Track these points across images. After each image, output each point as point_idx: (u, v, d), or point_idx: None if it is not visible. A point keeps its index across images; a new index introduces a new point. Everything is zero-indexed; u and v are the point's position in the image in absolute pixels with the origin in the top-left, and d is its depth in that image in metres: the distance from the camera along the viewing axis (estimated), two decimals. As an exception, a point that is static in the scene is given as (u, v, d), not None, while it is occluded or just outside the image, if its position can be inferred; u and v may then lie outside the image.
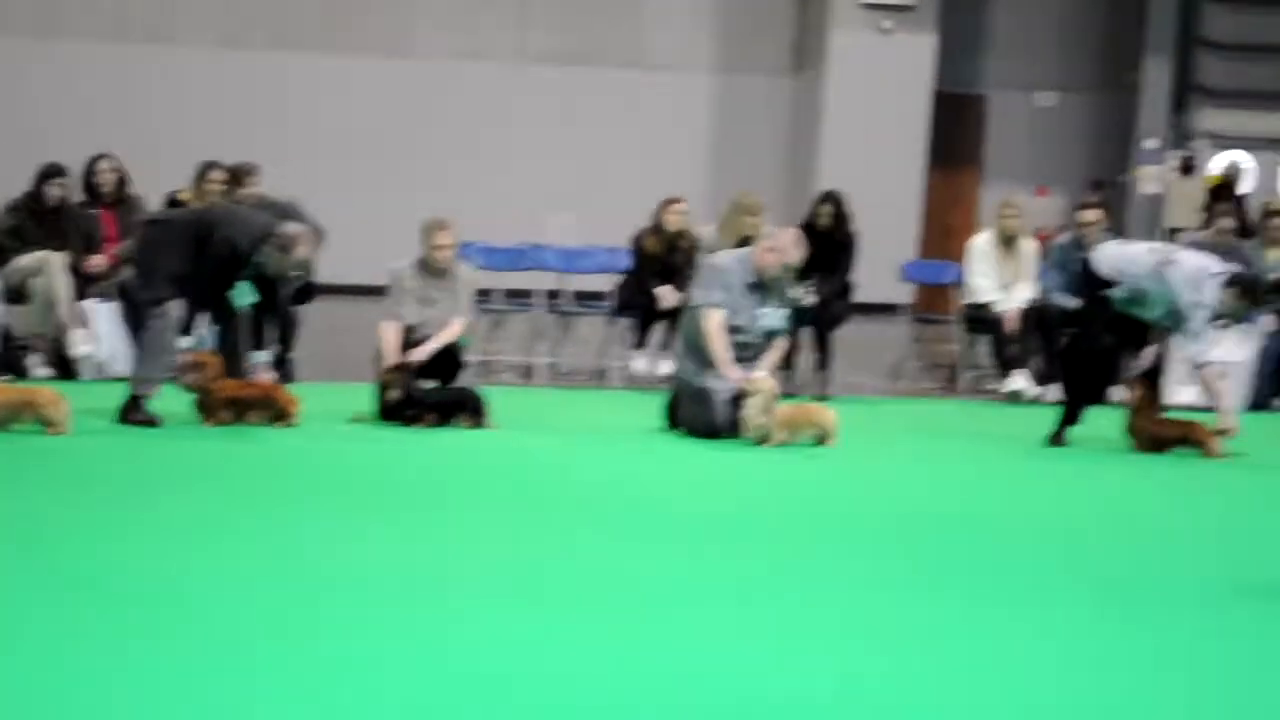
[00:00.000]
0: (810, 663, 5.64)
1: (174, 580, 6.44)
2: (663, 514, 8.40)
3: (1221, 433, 10.83)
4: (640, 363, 13.70)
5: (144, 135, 18.68)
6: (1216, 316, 10.72)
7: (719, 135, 22.59)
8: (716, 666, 5.52)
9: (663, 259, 13.60)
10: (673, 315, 13.34)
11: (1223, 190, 21.22)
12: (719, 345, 10.90)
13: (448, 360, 11.43)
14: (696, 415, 10.99)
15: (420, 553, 7.20)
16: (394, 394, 10.91)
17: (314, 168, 19.46)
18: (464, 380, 11.56)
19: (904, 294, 16.37)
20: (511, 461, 9.92)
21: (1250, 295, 10.84)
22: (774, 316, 11.14)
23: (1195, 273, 10.68)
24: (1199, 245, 12.49)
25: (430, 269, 11.46)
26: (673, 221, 13.70)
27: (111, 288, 12.83)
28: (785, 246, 11.16)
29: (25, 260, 12.72)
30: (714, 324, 10.93)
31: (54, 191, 13.05)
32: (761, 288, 11.07)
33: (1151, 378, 11.22)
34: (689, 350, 11.16)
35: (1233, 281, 10.74)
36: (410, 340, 11.31)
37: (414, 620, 5.99)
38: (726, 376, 10.80)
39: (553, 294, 14.81)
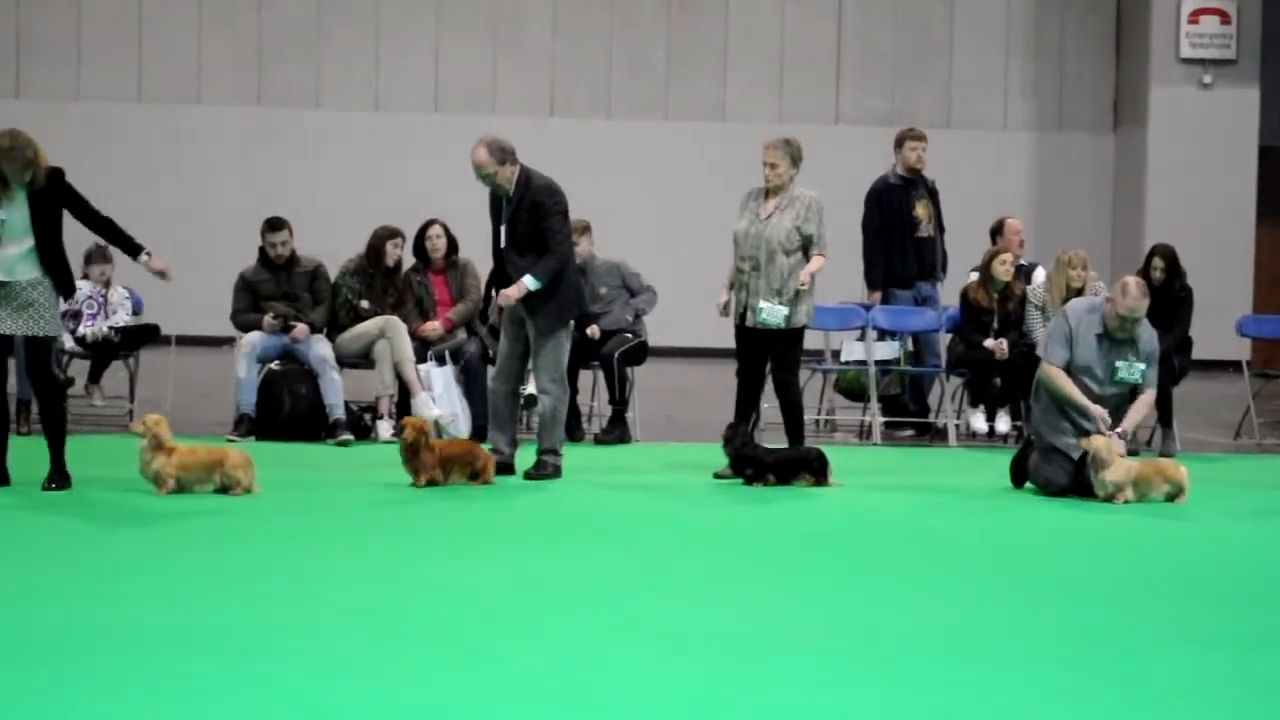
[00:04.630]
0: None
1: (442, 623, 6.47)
2: (1011, 572, 8.24)
3: None
4: (978, 419, 13.49)
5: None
6: None
7: (1039, 192, 22.33)
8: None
9: (993, 311, 13.39)
10: (1006, 369, 13.14)
11: None
12: (1068, 388, 10.62)
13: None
14: (1041, 471, 10.76)
15: (766, 611, 7.13)
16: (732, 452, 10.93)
17: (641, 230, 19.75)
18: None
19: (1240, 349, 15.89)
20: (857, 520, 9.82)
21: None
22: (1129, 369, 10.78)
23: None
24: None
25: None
26: (1001, 272, 13.48)
27: (446, 351, 13.06)
28: (1120, 295, 10.72)
29: (368, 325, 12.99)
30: (1053, 372, 10.67)
31: (396, 253, 13.30)
32: (1112, 339, 10.73)
33: None
34: (1041, 404, 10.87)
35: None
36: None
37: (741, 677, 5.93)
38: (1088, 411, 10.52)
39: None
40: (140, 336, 13.35)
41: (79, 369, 13.39)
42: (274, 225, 13.15)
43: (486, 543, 8.67)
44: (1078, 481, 10.57)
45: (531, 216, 10.86)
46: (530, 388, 11.45)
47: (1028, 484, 10.91)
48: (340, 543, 8.54)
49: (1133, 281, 10.82)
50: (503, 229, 10.96)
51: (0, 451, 9.98)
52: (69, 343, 13.17)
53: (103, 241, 13.34)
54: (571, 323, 11.30)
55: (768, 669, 5.96)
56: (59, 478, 9.94)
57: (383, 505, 9.77)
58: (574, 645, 6.27)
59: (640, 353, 13.43)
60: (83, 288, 13.30)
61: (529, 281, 10.80)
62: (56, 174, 9.91)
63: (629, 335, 13.38)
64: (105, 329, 13.16)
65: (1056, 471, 10.67)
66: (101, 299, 13.34)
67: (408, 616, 6.71)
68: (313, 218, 16.59)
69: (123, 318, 13.35)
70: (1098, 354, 10.71)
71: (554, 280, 10.88)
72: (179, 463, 9.75)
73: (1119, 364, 10.71)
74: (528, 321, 10.95)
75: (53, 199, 9.89)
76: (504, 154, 10.83)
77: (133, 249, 10.15)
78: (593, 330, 13.10)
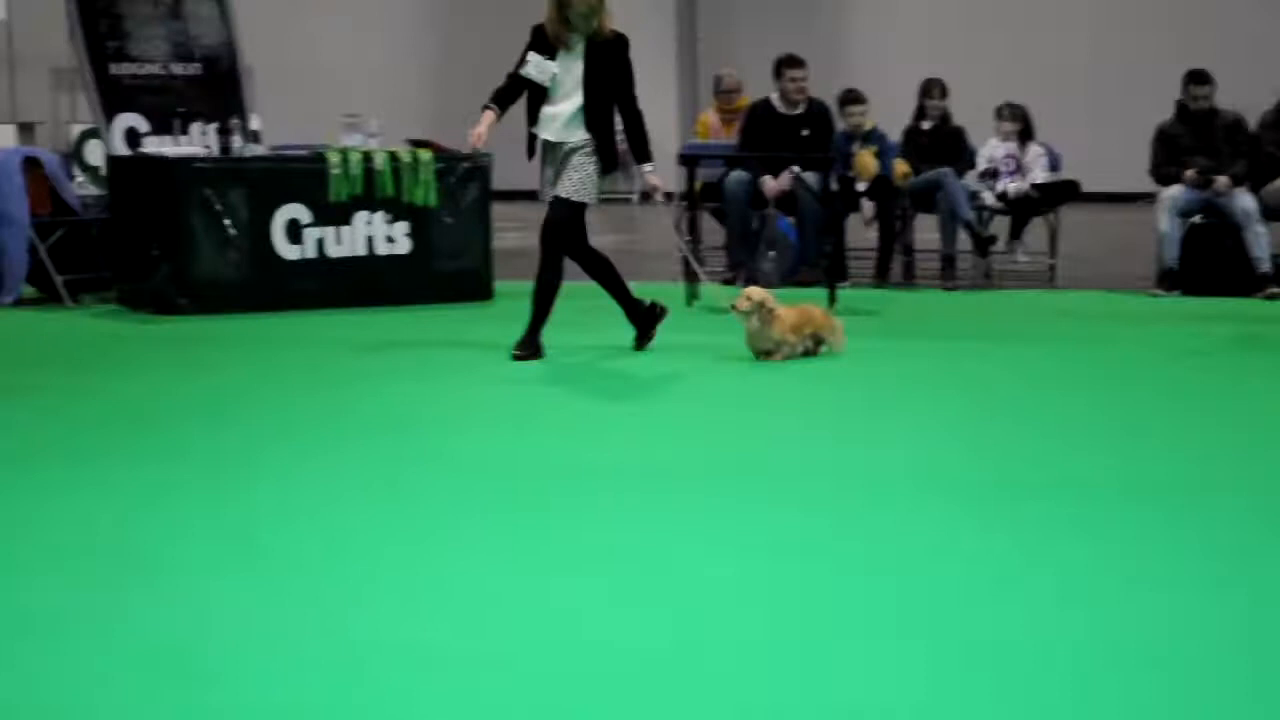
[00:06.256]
0: None
1: None
2: None
3: None
4: None
5: None
6: None
7: None
8: None
9: None
10: None
11: None
12: None
13: None
14: None
15: None
16: None
17: None
18: None
19: None
20: None
21: None
22: None
23: None
24: None
25: None
26: None
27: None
28: None
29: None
30: None
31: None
32: None
33: None
34: None
35: None
36: None
37: None
38: None
39: None
40: (1059, 193, 13.44)
41: (1000, 226, 13.62)
42: (1198, 78, 12.90)
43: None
44: None
45: None
46: None
47: None
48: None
49: None
50: None
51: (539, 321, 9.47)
52: (990, 199, 13.41)
53: (1015, 101, 13.65)
54: None
55: None
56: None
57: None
58: None
59: None
60: (998, 146, 13.50)
61: None
62: (622, 40, 9.41)
63: None
64: (1025, 186, 13.32)
65: None
66: (1018, 156, 13.48)
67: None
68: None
69: (1040, 175, 13.46)
70: None
71: None
72: (791, 324, 9.44)
73: None
74: None
75: (609, 60, 9.39)
76: None
77: (638, 156, 9.56)
78: None
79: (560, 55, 9.36)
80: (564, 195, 9.35)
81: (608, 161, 9.43)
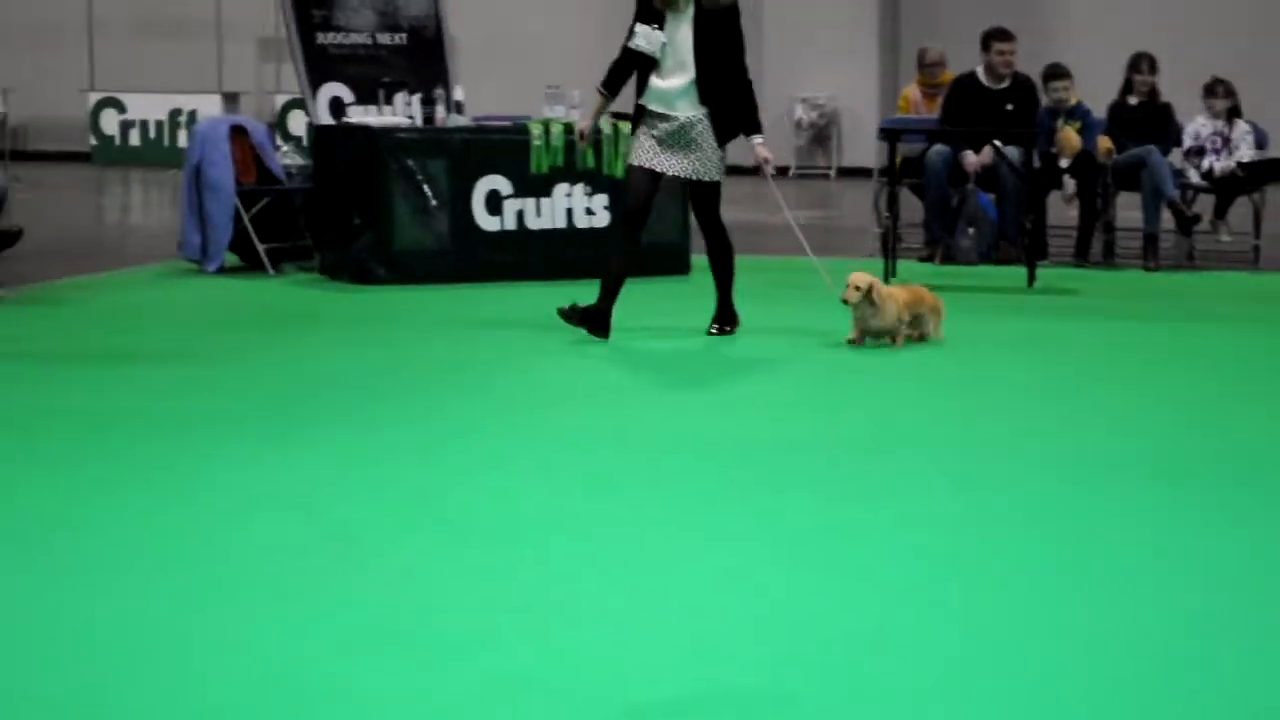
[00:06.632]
0: None
1: None
2: None
3: None
4: None
5: None
6: None
7: None
8: None
9: None
10: None
11: None
12: None
13: None
14: None
15: None
16: None
17: None
18: None
19: None
20: None
21: None
22: None
23: None
24: None
25: None
26: None
27: None
28: None
29: None
30: None
31: None
32: None
33: None
34: None
35: None
36: None
37: None
38: None
39: None
40: (1266, 172, 13.15)
41: (1205, 205, 13.37)
42: None
43: None
44: None
45: None
46: None
47: None
48: None
49: None
50: None
51: (609, 300, 9.24)
52: (1194, 177, 13.17)
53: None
54: None
55: None
56: (726, 319, 9.52)
57: None
58: None
59: None
60: (1204, 123, 13.24)
61: None
62: (733, 7, 9.08)
63: None
64: (1230, 164, 13.06)
65: None
66: (1224, 133, 13.22)
67: None
68: None
69: (1246, 153, 13.19)
70: None
71: None
72: (905, 303, 9.10)
73: None
74: None
75: (720, 28, 9.06)
76: None
77: (749, 128, 9.27)
78: None
79: (669, 22, 9.09)
80: (711, 179, 9.20)
81: (723, 133, 9.16)
